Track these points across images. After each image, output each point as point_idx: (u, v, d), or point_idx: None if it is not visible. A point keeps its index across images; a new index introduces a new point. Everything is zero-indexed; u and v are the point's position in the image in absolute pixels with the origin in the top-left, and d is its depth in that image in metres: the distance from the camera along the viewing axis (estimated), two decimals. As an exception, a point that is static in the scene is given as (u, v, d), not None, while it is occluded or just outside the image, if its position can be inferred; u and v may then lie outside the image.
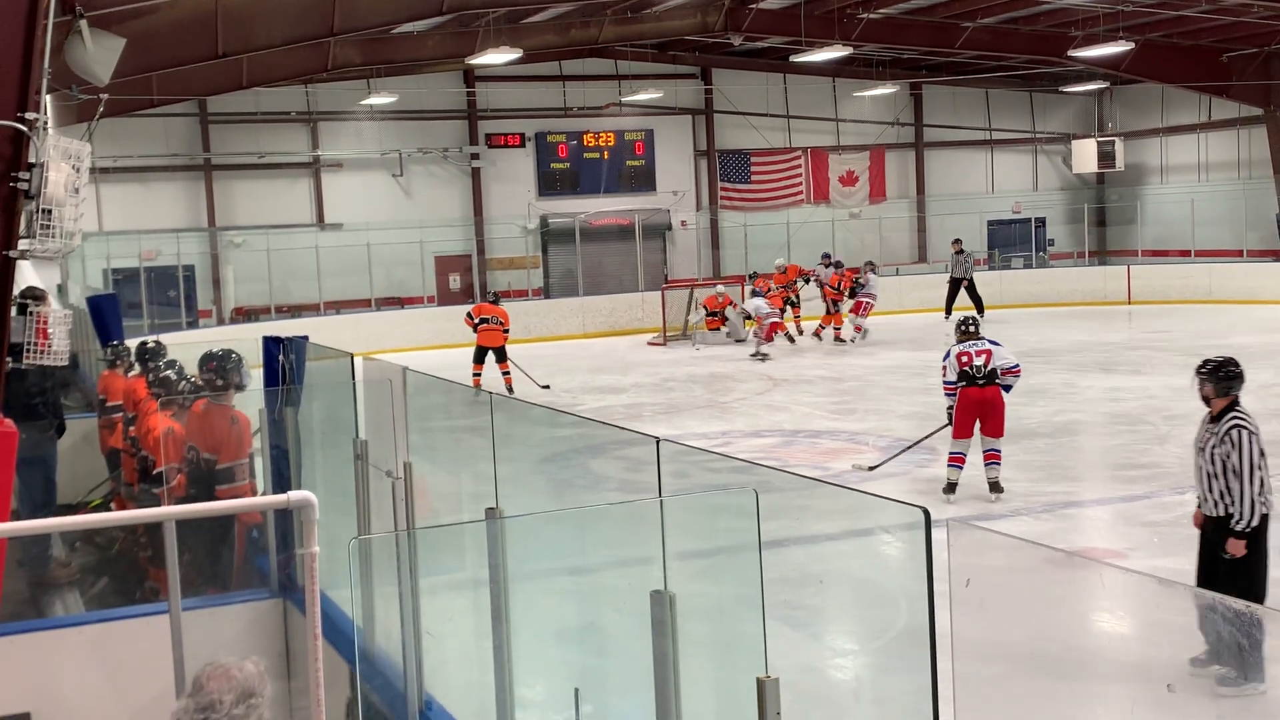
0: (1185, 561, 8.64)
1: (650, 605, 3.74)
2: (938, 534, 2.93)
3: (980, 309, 27.20)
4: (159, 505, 7.89)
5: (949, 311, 27.45)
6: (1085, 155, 32.95)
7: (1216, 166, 31.76)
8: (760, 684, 3.28)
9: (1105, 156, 32.53)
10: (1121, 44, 23.85)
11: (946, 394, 11.65)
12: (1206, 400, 7.34)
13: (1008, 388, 11.60)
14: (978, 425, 11.44)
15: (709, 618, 4.38)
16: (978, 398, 11.35)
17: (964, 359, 11.47)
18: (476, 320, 19.69)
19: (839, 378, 19.65)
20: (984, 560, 3.07)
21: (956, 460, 11.44)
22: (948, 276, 28.10)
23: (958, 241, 28.76)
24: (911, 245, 33.25)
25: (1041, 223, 34.39)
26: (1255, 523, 7.05)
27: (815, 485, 6.03)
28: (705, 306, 25.87)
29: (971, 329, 11.79)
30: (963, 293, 27.16)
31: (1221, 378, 7.30)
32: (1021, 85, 33.01)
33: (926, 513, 2.95)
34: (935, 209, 33.25)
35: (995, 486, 11.38)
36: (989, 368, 11.40)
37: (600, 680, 5.40)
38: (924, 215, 33.30)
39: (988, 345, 11.55)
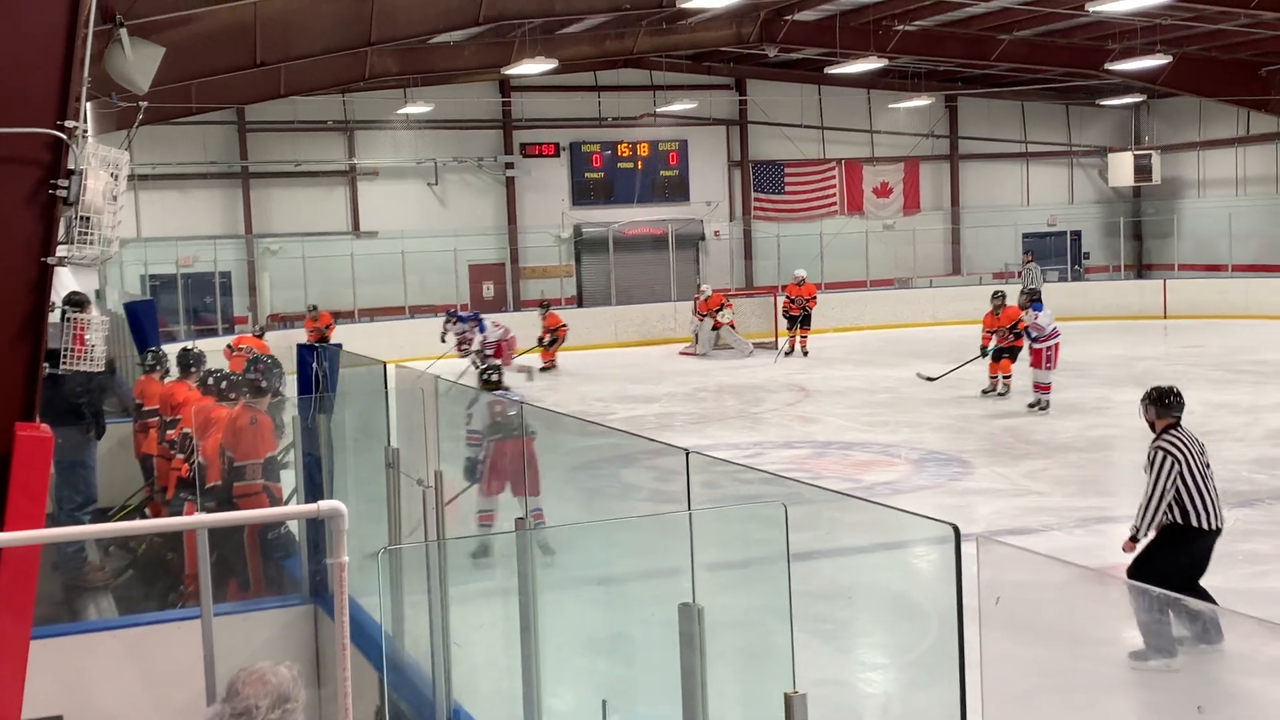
0: (1220, 579, 8.56)
1: (678, 618, 3.74)
2: (967, 549, 2.93)
3: None
4: (188, 511, 7.99)
5: None
6: (1121, 168, 32.72)
7: (1254, 181, 31.48)
8: (788, 699, 3.27)
9: (1142, 170, 32.28)
10: (1159, 57, 23.71)
11: (470, 444, 9.56)
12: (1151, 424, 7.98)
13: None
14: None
15: (738, 630, 4.38)
16: (514, 451, 9.29)
17: (497, 409, 9.65)
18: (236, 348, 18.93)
19: (871, 389, 19.59)
20: (1014, 576, 3.06)
21: (487, 519, 9.30)
22: (1021, 288, 27.52)
23: (1029, 253, 28.43)
24: (946, 257, 33.13)
25: (1077, 236, 34.18)
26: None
27: (845, 498, 6.01)
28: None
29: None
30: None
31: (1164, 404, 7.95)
32: (1058, 98, 32.85)
33: (956, 529, 2.95)
34: (970, 221, 33.08)
35: (546, 549, 7.71)
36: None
37: (628, 691, 5.41)
38: (958, 227, 33.13)
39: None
